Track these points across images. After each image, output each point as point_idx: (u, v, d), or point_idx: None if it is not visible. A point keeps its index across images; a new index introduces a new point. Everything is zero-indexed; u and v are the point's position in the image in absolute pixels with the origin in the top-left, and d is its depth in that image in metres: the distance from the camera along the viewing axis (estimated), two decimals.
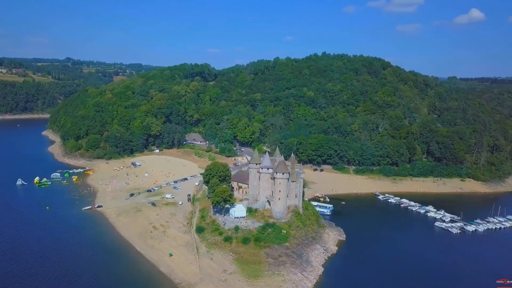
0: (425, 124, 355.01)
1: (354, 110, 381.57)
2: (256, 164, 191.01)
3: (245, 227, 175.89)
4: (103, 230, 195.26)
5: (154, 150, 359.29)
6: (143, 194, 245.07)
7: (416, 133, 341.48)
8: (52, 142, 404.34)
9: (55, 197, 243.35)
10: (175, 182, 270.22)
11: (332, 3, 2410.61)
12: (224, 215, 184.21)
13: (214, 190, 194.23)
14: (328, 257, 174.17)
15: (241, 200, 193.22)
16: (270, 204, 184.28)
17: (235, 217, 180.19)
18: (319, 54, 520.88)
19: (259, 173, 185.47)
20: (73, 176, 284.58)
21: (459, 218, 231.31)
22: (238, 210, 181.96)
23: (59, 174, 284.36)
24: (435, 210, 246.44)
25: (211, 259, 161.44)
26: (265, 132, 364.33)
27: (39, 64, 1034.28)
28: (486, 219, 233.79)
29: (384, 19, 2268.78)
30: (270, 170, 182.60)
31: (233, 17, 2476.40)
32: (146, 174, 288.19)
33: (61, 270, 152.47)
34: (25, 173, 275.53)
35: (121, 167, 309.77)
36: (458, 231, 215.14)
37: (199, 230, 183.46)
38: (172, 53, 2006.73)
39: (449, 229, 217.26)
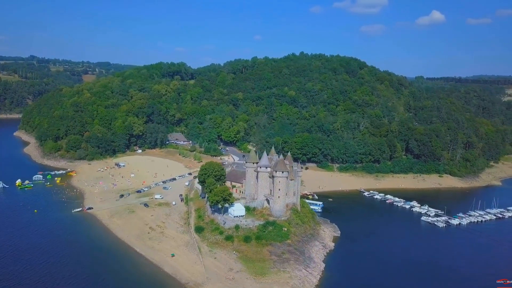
0: (403, 122, 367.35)
1: (334, 109, 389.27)
2: (253, 163, 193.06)
3: (245, 225, 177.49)
4: (98, 232, 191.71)
5: (137, 150, 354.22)
6: (133, 195, 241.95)
7: (395, 131, 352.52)
8: (27, 143, 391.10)
9: (40, 200, 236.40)
10: (164, 182, 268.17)
11: (299, 3, 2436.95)
12: (223, 214, 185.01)
13: (211, 190, 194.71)
14: (327, 253, 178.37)
15: (237, 199, 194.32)
16: (268, 203, 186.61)
17: (234, 216, 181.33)
18: (297, 53, 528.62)
19: (257, 172, 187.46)
20: (56, 178, 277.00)
21: (443, 212, 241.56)
22: (237, 209, 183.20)
23: (41, 176, 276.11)
24: (419, 205, 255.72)
25: (215, 258, 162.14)
26: (250, 131, 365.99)
27: (1, 62, 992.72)
28: (467, 213, 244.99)
29: (349, 19, 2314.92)
30: (269, 169, 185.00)
31: (199, 16, 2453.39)
32: (132, 175, 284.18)
33: (64, 274, 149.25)
34: (3, 176, 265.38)
35: (105, 168, 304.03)
36: (444, 225, 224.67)
37: (199, 229, 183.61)
38: (140, 52, 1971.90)
39: (435, 223, 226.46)
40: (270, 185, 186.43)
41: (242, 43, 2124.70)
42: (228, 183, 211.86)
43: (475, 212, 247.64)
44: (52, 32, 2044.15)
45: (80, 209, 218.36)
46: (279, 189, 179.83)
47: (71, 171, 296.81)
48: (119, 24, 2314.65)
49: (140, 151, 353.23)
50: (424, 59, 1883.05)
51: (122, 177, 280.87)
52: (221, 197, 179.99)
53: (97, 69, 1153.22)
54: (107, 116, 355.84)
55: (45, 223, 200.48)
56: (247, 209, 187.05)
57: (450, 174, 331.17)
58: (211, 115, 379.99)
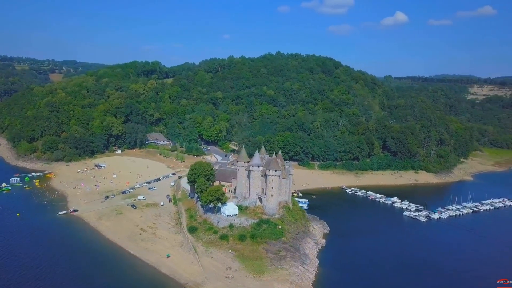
0: (379, 120, 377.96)
1: (313, 108, 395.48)
2: (244, 162, 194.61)
3: (239, 224, 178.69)
4: (87, 235, 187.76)
5: (116, 150, 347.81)
6: (118, 196, 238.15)
7: (372, 129, 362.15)
8: None
9: (21, 203, 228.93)
10: (149, 183, 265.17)
11: (267, 2, 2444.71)
12: (216, 213, 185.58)
13: (201, 190, 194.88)
14: (319, 249, 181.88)
15: (228, 198, 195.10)
16: (261, 201, 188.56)
17: (227, 215, 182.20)
18: (272, 52, 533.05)
19: (249, 171, 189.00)
20: (35, 180, 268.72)
21: (423, 207, 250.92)
22: (230, 208, 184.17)
23: (19, 179, 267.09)
24: (400, 201, 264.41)
25: (212, 257, 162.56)
26: (231, 130, 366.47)
27: None
28: (446, 207, 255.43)
29: (317, 19, 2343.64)
30: (261, 168, 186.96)
31: (166, 14, 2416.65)
32: (114, 176, 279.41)
33: (57, 279, 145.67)
34: None
35: (85, 169, 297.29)
36: (425, 219, 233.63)
37: (192, 230, 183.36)
38: (107, 50, 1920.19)
39: (417, 217, 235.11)
40: (262, 184, 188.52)
41: (211, 42, 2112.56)
42: (216, 183, 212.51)
43: (452, 206, 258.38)
44: (13, 28, 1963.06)
45: (65, 211, 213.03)
46: (272, 188, 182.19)
47: (49, 173, 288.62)
48: (84, 21, 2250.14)
49: (119, 151, 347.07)
50: (390, 59, 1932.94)
51: (104, 178, 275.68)
52: (215, 196, 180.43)
53: (64, 68, 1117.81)
54: (84, 116, 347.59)
55: (30, 227, 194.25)
56: (239, 208, 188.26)
57: (425, 170, 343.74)
58: (191, 114, 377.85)
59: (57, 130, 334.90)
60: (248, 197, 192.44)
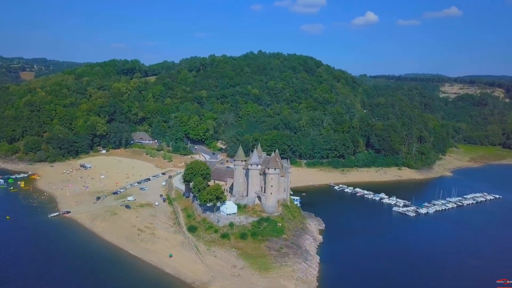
0: (363, 119, 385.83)
1: (297, 107, 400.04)
2: (242, 161, 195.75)
3: (239, 223, 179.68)
4: (83, 236, 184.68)
5: (101, 150, 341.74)
6: (110, 197, 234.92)
7: (356, 127, 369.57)
8: None
9: (8, 205, 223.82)
10: (139, 183, 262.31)
11: (240, 0, 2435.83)
12: (215, 212, 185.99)
13: (199, 189, 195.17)
14: (318, 245, 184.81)
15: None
16: (259, 199, 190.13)
17: (227, 214, 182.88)
18: (255, 51, 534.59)
19: (248, 169, 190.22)
20: (20, 182, 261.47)
21: (410, 202, 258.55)
22: (230, 207, 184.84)
23: (2, 181, 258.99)
24: (388, 197, 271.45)
25: (215, 256, 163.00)
26: (218, 129, 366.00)
27: None
28: (432, 202, 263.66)
29: (290, 18, 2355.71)
30: (259, 166, 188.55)
31: (135, 12, 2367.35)
32: (103, 176, 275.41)
33: (58, 284, 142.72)
34: None
35: (70, 169, 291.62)
36: (414, 214, 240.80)
37: (192, 229, 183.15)
38: (77, 48, 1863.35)
39: (406, 213, 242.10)
40: (261, 182, 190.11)
41: (183, 40, 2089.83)
42: (211, 182, 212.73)
43: (438, 201, 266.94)
44: None
45: (57, 213, 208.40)
46: (272, 186, 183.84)
47: (33, 174, 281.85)
48: (53, 18, 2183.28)
49: (104, 151, 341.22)
50: (363, 58, 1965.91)
51: (92, 178, 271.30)
52: (214, 195, 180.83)
53: (35, 66, 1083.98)
54: (66, 116, 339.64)
55: (22, 230, 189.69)
56: (238, 206, 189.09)
57: (408, 167, 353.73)
58: (176, 113, 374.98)
59: (39, 130, 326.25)
60: (246, 196, 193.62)
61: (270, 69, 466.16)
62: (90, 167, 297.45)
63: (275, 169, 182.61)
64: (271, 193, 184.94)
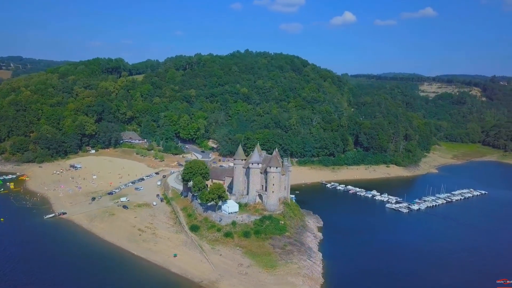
0: (351, 117, 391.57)
1: (286, 106, 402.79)
2: (242, 160, 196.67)
3: (241, 221, 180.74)
4: (83, 237, 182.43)
5: (90, 150, 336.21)
6: (105, 197, 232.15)
7: (345, 126, 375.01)
8: None
9: (0, 207, 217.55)
10: (133, 183, 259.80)
11: None
12: (216, 211, 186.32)
13: (199, 188, 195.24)
14: (318, 242, 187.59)
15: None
16: (260, 198, 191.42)
17: (229, 213, 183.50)
18: (242, 51, 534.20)
19: (248, 168, 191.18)
20: (9, 183, 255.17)
21: (402, 199, 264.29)
22: (231, 206, 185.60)
23: None
24: (379, 194, 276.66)
25: (220, 255, 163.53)
26: (209, 128, 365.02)
27: None
28: (422, 199, 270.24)
29: (269, 17, 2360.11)
30: (260, 165, 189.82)
31: (113, 10, 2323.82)
32: (94, 177, 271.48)
33: (66, 286, 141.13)
34: None
35: (60, 170, 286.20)
36: (407, 210, 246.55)
37: (194, 228, 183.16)
38: (53, 45, 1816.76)
39: (399, 209, 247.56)
40: (261, 181, 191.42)
41: (163, 39, 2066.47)
42: (208, 181, 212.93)
43: (428, 197, 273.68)
44: None
45: (52, 215, 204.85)
46: (273, 184, 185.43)
47: (22, 175, 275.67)
48: (27, 15, 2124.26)
49: (93, 151, 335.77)
50: (343, 58, 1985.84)
51: (84, 179, 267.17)
52: (217, 194, 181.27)
53: (12, 64, 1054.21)
54: (54, 115, 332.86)
55: (19, 233, 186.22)
56: (238, 205, 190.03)
57: (396, 164, 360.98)
58: (165, 112, 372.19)
59: (25, 130, 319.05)
60: (247, 194, 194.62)
61: (258, 68, 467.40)
62: (80, 167, 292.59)
63: (276, 167, 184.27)
64: (272, 192, 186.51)
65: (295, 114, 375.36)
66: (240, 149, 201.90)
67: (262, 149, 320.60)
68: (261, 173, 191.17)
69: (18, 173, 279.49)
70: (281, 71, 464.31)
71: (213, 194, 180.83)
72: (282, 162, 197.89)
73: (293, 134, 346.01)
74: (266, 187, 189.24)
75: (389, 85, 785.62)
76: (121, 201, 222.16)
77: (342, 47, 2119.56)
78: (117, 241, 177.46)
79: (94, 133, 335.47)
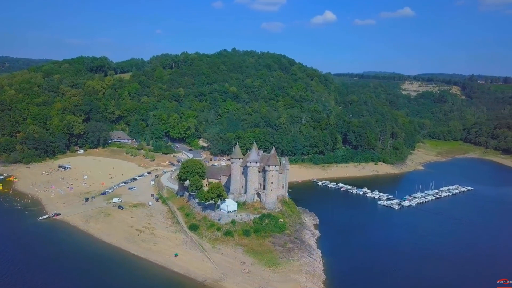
0: (339, 116, 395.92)
1: (275, 105, 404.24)
2: (239, 158, 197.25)
3: (241, 220, 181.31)
4: (80, 238, 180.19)
5: (78, 150, 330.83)
6: (99, 197, 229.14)
7: (333, 124, 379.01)
8: None
9: None
10: (126, 183, 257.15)
11: None
12: (215, 210, 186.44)
13: (197, 187, 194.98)
14: (316, 239, 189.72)
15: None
16: (259, 196, 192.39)
17: (228, 212, 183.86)
18: (229, 49, 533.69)
19: (246, 167, 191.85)
20: None
21: (392, 196, 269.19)
22: (230, 205, 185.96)
23: None
24: (370, 191, 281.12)
25: (222, 254, 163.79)
26: (199, 127, 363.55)
27: None
28: (412, 195, 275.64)
29: (250, 16, 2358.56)
30: (258, 164, 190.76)
31: (92, 6, 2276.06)
32: (85, 177, 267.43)
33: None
34: None
35: (49, 170, 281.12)
36: (398, 207, 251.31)
37: (193, 228, 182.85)
38: (30, 44, 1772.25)
39: (391, 206, 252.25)
40: (260, 179, 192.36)
41: (143, 38, 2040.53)
42: (204, 181, 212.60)
43: (417, 194, 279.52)
44: None
45: (46, 216, 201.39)
46: (272, 183, 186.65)
47: (10, 176, 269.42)
48: (6, 14, 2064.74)
49: (82, 151, 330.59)
50: (324, 56, 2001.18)
51: (75, 179, 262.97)
52: (216, 193, 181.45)
53: None
54: (40, 115, 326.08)
55: (12, 235, 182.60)
56: (237, 204, 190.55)
57: (384, 162, 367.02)
58: (154, 111, 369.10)
59: (11, 130, 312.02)
60: (245, 193, 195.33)
61: (245, 67, 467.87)
62: (69, 167, 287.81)
63: (275, 166, 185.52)
64: (271, 190, 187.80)
65: (285, 112, 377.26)
66: (237, 148, 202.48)
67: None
68: (259, 171, 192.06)
69: (5, 174, 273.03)
70: (269, 70, 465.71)
71: (212, 193, 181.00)
72: (280, 160, 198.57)
73: (283, 132, 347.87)
74: (264, 186, 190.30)
75: (373, 83, 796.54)
76: (116, 201, 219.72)
77: (323, 47, 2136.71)
78: (116, 241, 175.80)
79: (82, 132, 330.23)
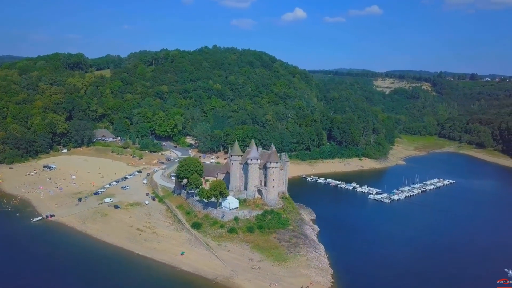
0: (323, 112, 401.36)
1: (260, 102, 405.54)
2: (238, 156, 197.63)
3: (243, 216, 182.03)
4: (79, 239, 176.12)
5: (62, 150, 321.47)
6: (92, 197, 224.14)
7: (318, 121, 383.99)
8: None
9: None
10: (117, 182, 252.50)
11: None
12: (217, 208, 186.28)
13: (197, 185, 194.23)
14: (317, 234, 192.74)
15: None
16: (259, 193, 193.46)
17: (230, 209, 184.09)
18: (209, 46, 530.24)
19: (247, 164, 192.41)
20: None
21: (381, 190, 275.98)
22: (232, 202, 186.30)
23: None
24: (359, 185, 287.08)
25: (228, 251, 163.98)
26: (186, 125, 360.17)
27: None
28: (399, 189, 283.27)
29: (220, 12, 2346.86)
30: (259, 161, 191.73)
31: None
32: (74, 177, 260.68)
33: None
34: None
35: (34, 171, 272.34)
36: (388, 201, 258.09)
37: (196, 226, 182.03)
38: None
39: (382, 200, 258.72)
40: (260, 176, 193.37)
41: (111, 33, 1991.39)
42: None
43: (404, 188, 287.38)
44: None
45: (40, 217, 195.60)
46: (273, 179, 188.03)
47: None
48: None
49: (65, 150, 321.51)
50: (296, 53, 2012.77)
51: (63, 179, 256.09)
52: (218, 191, 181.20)
53: None
54: (21, 113, 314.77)
55: (7, 238, 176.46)
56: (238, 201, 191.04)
57: (367, 157, 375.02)
58: (138, 109, 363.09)
59: None
60: (245, 190, 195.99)
61: (228, 64, 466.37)
62: (54, 167, 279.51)
63: (276, 162, 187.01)
64: (273, 187, 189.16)
65: (270, 109, 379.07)
66: (236, 145, 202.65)
67: (241, 145, 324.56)
68: (259, 168, 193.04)
69: None
70: (251, 67, 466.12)
71: (215, 190, 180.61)
72: (280, 157, 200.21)
73: (270, 129, 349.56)
74: (265, 182, 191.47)
75: (348, 80, 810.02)
76: (110, 201, 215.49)
77: (295, 45, 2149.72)
78: (118, 241, 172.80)
79: (65, 131, 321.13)
